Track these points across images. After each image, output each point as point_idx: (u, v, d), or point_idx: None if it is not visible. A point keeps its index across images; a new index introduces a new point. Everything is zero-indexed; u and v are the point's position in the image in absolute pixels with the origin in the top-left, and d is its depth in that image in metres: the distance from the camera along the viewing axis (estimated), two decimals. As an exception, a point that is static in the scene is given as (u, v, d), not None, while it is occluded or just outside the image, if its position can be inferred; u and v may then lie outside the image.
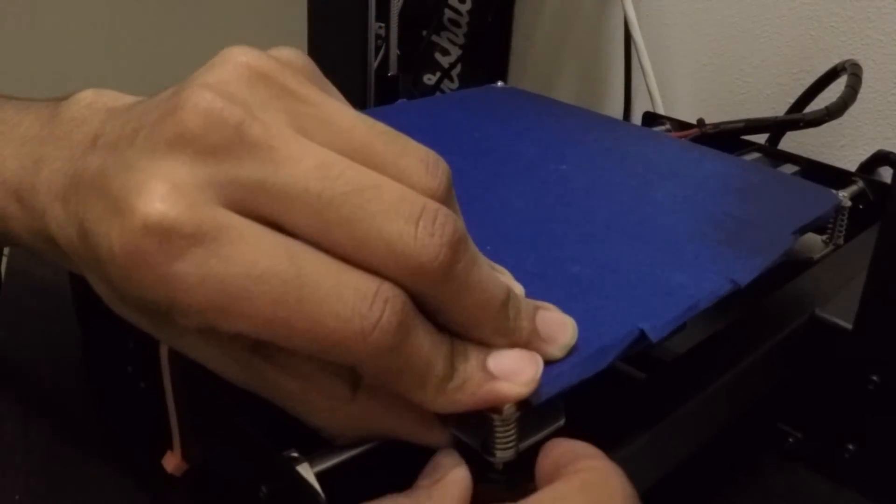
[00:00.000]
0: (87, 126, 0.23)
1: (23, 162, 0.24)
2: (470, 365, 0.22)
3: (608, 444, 0.27)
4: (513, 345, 0.23)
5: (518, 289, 0.25)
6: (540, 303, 0.24)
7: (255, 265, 0.19)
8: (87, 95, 0.24)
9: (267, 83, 0.21)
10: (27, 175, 0.24)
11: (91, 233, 0.20)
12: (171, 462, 0.29)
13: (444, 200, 0.21)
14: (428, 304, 0.21)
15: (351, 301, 0.19)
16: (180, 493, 0.30)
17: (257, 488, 0.25)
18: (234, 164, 0.20)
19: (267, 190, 0.20)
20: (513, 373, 0.22)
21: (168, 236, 0.19)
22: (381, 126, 0.22)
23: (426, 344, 0.21)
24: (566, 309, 0.26)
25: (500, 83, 0.53)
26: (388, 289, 0.20)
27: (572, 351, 0.24)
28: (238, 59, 0.21)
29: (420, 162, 0.21)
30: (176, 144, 0.20)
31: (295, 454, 0.23)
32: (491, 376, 0.22)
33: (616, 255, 0.31)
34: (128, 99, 0.24)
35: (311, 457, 0.24)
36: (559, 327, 0.24)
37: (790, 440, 0.36)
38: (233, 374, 0.23)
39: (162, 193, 0.19)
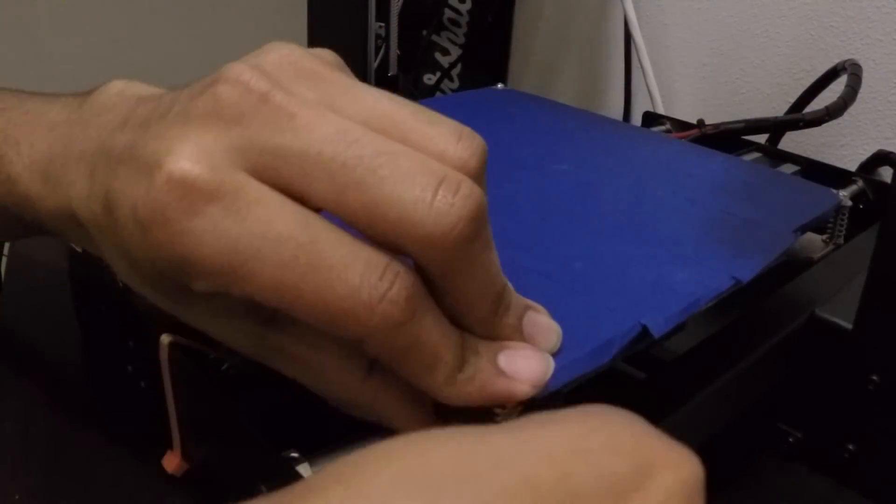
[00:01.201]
0: (116, 111, 0.24)
1: (51, 144, 0.25)
2: (480, 359, 0.22)
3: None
4: (493, 337, 0.23)
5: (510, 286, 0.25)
6: (532, 303, 0.24)
7: (269, 228, 0.19)
8: (118, 85, 0.25)
9: (298, 68, 0.22)
10: (55, 157, 0.24)
11: (116, 199, 0.21)
12: (171, 462, 0.29)
13: (475, 176, 0.21)
14: (431, 280, 0.21)
15: (361, 270, 0.20)
16: (180, 493, 0.30)
17: (257, 488, 0.25)
18: (256, 130, 0.20)
19: (285, 155, 0.20)
20: (523, 371, 0.22)
21: (188, 193, 0.19)
22: (409, 102, 0.22)
23: (436, 328, 0.21)
24: (568, 304, 0.26)
25: (500, 85, 0.53)
26: (398, 264, 0.20)
27: (575, 346, 0.24)
28: (275, 50, 0.22)
29: (451, 133, 0.21)
30: (207, 115, 0.20)
31: (295, 454, 0.23)
32: (501, 372, 0.22)
33: (618, 252, 0.31)
34: (156, 90, 0.24)
35: (311, 457, 0.24)
36: (544, 331, 0.24)
37: (790, 440, 0.36)
38: (246, 346, 0.23)
39: (187, 154, 0.20)
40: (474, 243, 0.20)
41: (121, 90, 0.25)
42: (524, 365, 0.22)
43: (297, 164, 0.20)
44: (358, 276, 0.19)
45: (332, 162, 0.20)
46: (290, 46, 0.23)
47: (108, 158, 0.22)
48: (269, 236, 0.19)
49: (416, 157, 0.20)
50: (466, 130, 0.22)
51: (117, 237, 0.22)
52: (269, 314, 0.22)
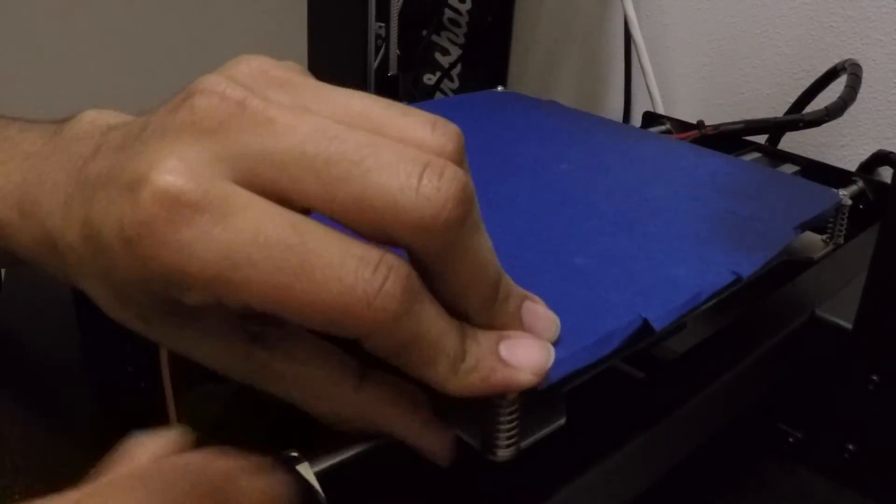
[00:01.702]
0: (88, 140, 0.24)
1: (25, 176, 0.25)
2: (481, 348, 0.22)
3: (608, 444, 0.27)
4: (491, 326, 0.23)
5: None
6: (530, 294, 0.24)
7: (259, 233, 0.20)
8: (90, 114, 0.25)
9: (270, 77, 0.22)
10: (30, 188, 0.24)
11: (97, 224, 0.21)
12: (171, 462, 0.29)
13: (456, 161, 0.21)
14: (425, 269, 0.21)
15: (354, 266, 0.20)
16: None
17: (257, 488, 0.25)
18: (236, 137, 0.20)
19: (268, 160, 0.20)
20: (525, 359, 0.22)
21: (176, 205, 0.19)
22: (380, 98, 0.22)
23: (435, 319, 0.21)
24: (569, 298, 0.26)
25: (500, 88, 0.53)
26: (392, 257, 0.20)
27: (577, 338, 0.24)
28: (245, 61, 0.23)
29: (426, 122, 0.22)
30: (185, 127, 0.21)
31: (295, 454, 0.23)
32: (503, 361, 0.22)
33: (619, 249, 0.31)
34: (126, 117, 0.25)
35: (311, 457, 0.24)
36: (543, 321, 0.24)
37: (790, 440, 0.36)
38: (234, 368, 0.23)
39: (170, 167, 0.20)
40: (464, 225, 0.20)
41: (92, 119, 0.25)
42: (525, 353, 0.22)
43: (281, 167, 0.20)
44: (351, 272, 0.20)
45: (316, 159, 0.20)
46: (259, 58, 0.23)
47: (84, 188, 0.22)
48: (259, 241, 0.19)
49: (397, 146, 0.20)
50: (440, 120, 0.22)
51: (100, 263, 0.21)
52: (257, 332, 0.22)
